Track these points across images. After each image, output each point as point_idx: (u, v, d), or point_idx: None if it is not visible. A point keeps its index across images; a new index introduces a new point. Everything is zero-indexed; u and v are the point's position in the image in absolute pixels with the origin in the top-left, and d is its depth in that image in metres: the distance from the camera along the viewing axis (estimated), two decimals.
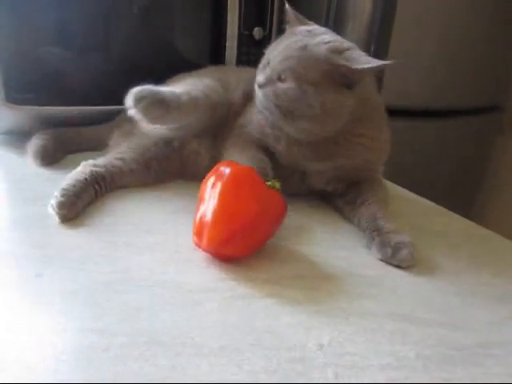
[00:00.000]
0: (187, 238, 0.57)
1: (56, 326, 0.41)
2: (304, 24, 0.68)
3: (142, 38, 0.96)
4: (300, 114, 0.62)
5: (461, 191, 1.31)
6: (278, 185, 0.55)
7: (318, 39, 0.63)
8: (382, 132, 0.70)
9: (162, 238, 0.59)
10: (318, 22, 1.06)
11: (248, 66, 1.02)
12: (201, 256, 0.55)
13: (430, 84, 1.12)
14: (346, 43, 0.64)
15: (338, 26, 1.06)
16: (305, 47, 0.61)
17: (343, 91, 0.62)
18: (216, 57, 1.01)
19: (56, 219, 0.60)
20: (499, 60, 1.25)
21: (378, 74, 0.67)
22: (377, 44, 1.01)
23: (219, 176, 0.53)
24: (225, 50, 1.00)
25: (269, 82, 0.64)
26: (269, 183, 0.54)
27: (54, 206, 0.60)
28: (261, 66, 0.68)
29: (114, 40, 0.94)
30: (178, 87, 0.71)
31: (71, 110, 0.86)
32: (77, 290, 0.46)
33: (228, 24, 0.98)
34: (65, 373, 0.36)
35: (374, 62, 0.59)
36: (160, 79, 0.87)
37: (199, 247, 0.54)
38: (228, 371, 0.37)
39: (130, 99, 0.61)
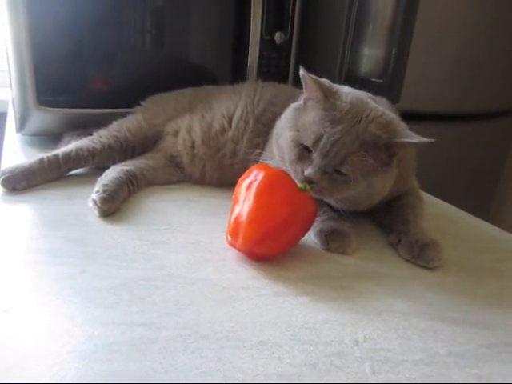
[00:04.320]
0: (218, 238, 0.60)
1: (105, 320, 0.44)
2: (325, 89, 0.60)
3: (166, 45, 0.99)
4: (353, 196, 0.60)
5: (478, 195, 1.32)
6: (308, 187, 0.57)
7: (363, 119, 0.58)
8: (409, 157, 0.68)
9: (194, 238, 0.61)
10: (339, 24, 1.10)
11: (268, 70, 1.05)
12: (233, 255, 0.57)
13: (450, 88, 1.13)
14: (386, 113, 0.60)
15: (358, 30, 1.08)
16: (355, 134, 0.57)
17: (390, 164, 0.59)
18: (238, 61, 1.03)
19: (95, 213, 0.64)
20: None
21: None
22: (398, 47, 1.02)
23: (254, 179, 0.55)
24: (247, 55, 1.02)
25: (323, 175, 0.57)
26: (300, 186, 0.57)
27: (97, 201, 0.63)
28: (295, 156, 0.60)
29: (140, 46, 0.97)
30: None
31: (101, 113, 0.89)
32: (120, 286, 0.49)
33: (251, 29, 1.00)
34: (119, 363, 0.38)
35: (416, 138, 0.57)
36: (183, 84, 0.90)
37: (233, 246, 0.56)
38: (271, 364, 0.40)
39: None
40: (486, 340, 0.45)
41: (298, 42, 1.08)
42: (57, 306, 0.45)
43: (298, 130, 0.60)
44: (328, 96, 0.59)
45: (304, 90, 0.62)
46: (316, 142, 0.57)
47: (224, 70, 1.04)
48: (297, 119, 0.62)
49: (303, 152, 0.59)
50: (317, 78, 0.60)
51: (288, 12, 1.05)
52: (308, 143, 0.58)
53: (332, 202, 0.62)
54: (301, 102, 0.64)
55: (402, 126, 0.59)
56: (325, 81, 0.62)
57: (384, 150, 0.58)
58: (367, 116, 0.58)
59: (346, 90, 0.62)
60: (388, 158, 0.59)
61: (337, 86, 0.63)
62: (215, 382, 0.37)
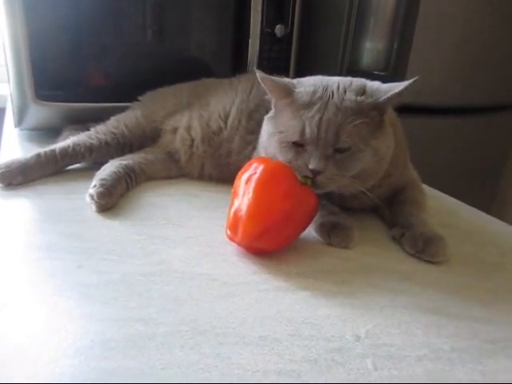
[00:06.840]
0: (217, 232, 0.59)
1: (103, 316, 0.43)
2: (286, 84, 0.60)
3: (165, 39, 0.98)
4: (363, 170, 0.58)
5: (480, 188, 1.31)
6: (309, 181, 0.56)
7: (334, 91, 0.58)
8: (401, 141, 0.68)
9: (193, 233, 0.60)
10: (340, 17, 1.09)
11: (269, 64, 1.04)
12: (232, 250, 0.56)
13: (452, 81, 1.12)
14: (355, 80, 0.61)
15: (360, 22, 1.06)
16: (335, 107, 0.56)
17: (383, 126, 0.59)
18: (238, 55, 1.02)
19: (93, 208, 0.63)
20: None
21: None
22: (400, 41, 1.01)
23: (253, 172, 0.54)
24: (247, 48, 1.01)
25: (327, 160, 0.57)
26: (301, 180, 0.56)
27: (94, 195, 0.62)
28: (291, 155, 0.59)
29: (139, 40, 0.96)
30: None
31: (99, 107, 0.88)
32: (118, 282, 0.48)
33: (251, 22, 0.99)
34: (116, 359, 0.38)
35: (399, 86, 0.57)
36: (183, 78, 0.89)
37: (233, 241, 0.55)
38: (270, 360, 0.39)
39: None
40: (491, 335, 0.45)
41: (298, 34, 1.06)
42: (53, 301, 0.44)
43: (281, 132, 0.60)
44: (291, 88, 0.60)
45: (268, 93, 0.62)
46: (302, 134, 0.57)
47: (224, 63, 1.03)
48: (275, 124, 0.62)
49: (296, 149, 0.58)
50: (274, 77, 0.61)
51: (289, 4, 1.04)
52: (295, 138, 0.58)
53: (344, 182, 0.59)
54: (272, 110, 0.64)
55: (376, 83, 0.60)
56: (284, 79, 0.62)
57: (372, 111, 0.57)
58: (338, 87, 0.58)
59: (305, 78, 0.63)
60: (379, 118, 0.59)
61: (297, 79, 0.63)
62: (213, 379, 0.36)
